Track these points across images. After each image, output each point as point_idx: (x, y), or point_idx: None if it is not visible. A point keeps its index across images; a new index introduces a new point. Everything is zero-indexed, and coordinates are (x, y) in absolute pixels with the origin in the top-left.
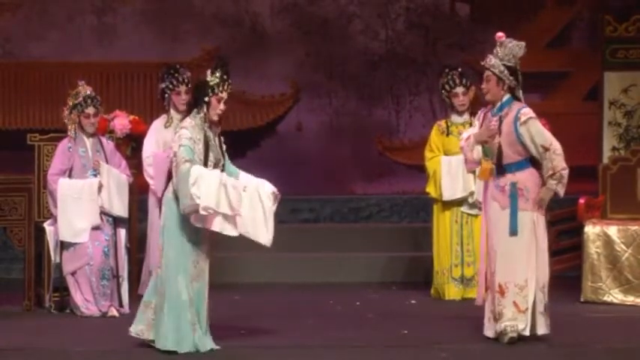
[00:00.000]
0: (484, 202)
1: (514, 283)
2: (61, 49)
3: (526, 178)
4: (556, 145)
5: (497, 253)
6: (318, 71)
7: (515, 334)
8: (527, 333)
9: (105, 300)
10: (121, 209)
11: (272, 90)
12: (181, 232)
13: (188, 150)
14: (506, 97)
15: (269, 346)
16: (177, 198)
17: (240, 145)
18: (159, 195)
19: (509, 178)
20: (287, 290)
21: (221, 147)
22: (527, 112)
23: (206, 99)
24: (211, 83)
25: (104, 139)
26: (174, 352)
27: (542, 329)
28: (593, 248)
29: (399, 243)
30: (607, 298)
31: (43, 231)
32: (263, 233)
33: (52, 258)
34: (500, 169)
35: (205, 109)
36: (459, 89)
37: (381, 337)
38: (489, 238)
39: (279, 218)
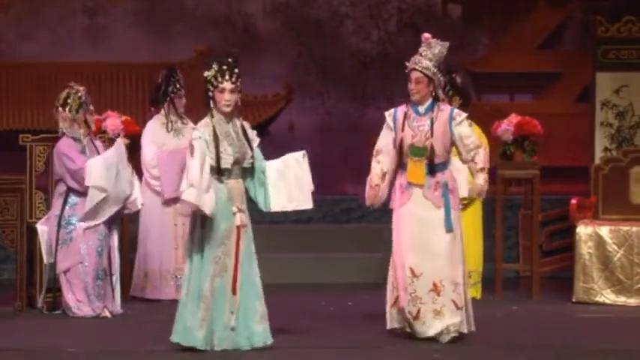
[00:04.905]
0: (411, 203)
1: (450, 280)
2: (53, 49)
3: (451, 177)
4: (481, 144)
5: (429, 252)
6: (311, 72)
7: (456, 334)
8: (465, 330)
9: (99, 301)
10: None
11: (264, 90)
12: (201, 228)
13: (195, 148)
14: (431, 96)
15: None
16: None
17: None
18: (167, 195)
19: (440, 178)
20: (278, 291)
21: (247, 139)
22: (460, 112)
23: (210, 94)
24: (208, 78)
25: (94, 139)
26: (178, 344)
27: (472, 326)
28: (585, 249)
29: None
30: (599, 299)
31: (35, 232)
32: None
33: (45, 259)
34: (432, 169)
35: (213, 105)
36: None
37: (373, 337)
38: (414, 238)
39: (270, 219)
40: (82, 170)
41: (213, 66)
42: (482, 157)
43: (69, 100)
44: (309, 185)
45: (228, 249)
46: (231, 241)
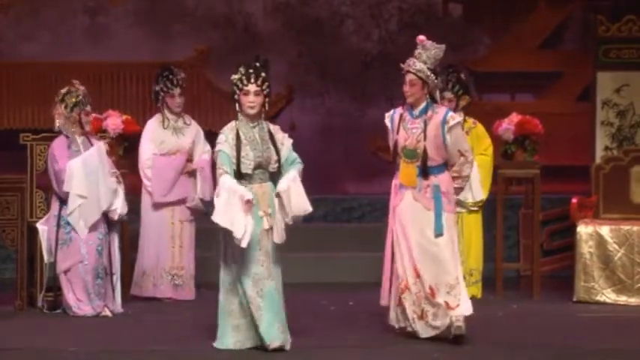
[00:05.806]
0: (403, 205)
1: (444, 283)
2: (53, 49)
3: (446, 180)
4: (470, 155)
5: (423, 255)
6: (311, 71)
7: (461, 322)
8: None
9: (99, 299)
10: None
11: None
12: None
13: (222, 155)
14: (427, 99)
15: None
16: None
17: None
18: (156, 199)
19: (432, 181)
20: None
21: (274, 144)
22: (454, 116)
23: (235, 97)
24: (234, 81)
25: (92, 138)
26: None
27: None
28: (586, 248)
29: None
30: (599, 298)
31: (35, 231)
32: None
33: (45, 258)
34: (424, 172)
35: (238, 108)
36: (447, 94)
37: (374, 337)
38: (409, 239)
39: None
40: (63, 172)
41: (240, 69)
42: (460, 167)
43: (66, 98)
44: (281, 227)
45: (267, 252)
46: (266, 244)
